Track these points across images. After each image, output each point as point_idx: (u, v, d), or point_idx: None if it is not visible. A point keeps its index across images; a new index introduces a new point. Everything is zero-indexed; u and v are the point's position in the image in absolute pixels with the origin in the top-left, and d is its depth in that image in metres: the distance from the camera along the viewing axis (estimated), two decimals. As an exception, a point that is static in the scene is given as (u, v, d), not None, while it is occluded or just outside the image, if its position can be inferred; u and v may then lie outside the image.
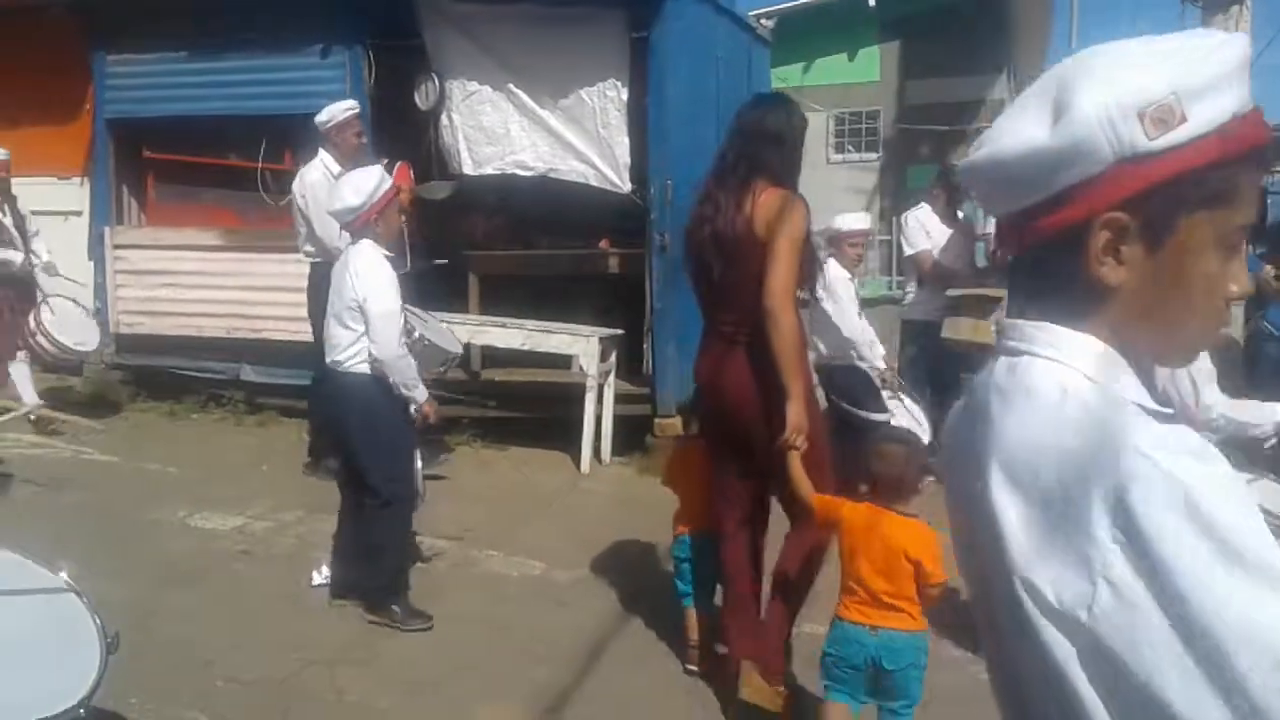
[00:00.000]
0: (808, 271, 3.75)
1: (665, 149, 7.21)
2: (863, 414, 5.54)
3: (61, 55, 8.61)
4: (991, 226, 8.72)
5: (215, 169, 8.51)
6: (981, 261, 8.38)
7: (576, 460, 7.06)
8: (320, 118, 6.45)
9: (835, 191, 11.51)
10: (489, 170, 7.68)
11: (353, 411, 4.57)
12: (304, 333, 8.05)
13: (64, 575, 2.47)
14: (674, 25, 7.17)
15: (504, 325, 7.34)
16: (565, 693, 4.08)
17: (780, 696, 3.76)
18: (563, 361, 7.49)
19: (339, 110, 6.44)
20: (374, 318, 4.40)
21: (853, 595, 3.30)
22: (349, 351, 4.50)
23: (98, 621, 2.36)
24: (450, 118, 7.67)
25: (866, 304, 10.84)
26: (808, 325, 4.27)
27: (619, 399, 7.40)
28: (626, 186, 7.40)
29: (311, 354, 8.00)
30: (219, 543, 5.61)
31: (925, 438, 5.90)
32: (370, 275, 4.45)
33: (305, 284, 8.10)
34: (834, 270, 5.89)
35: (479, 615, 4.67)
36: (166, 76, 8.27)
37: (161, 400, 8.41)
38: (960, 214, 7.88)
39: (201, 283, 8.24)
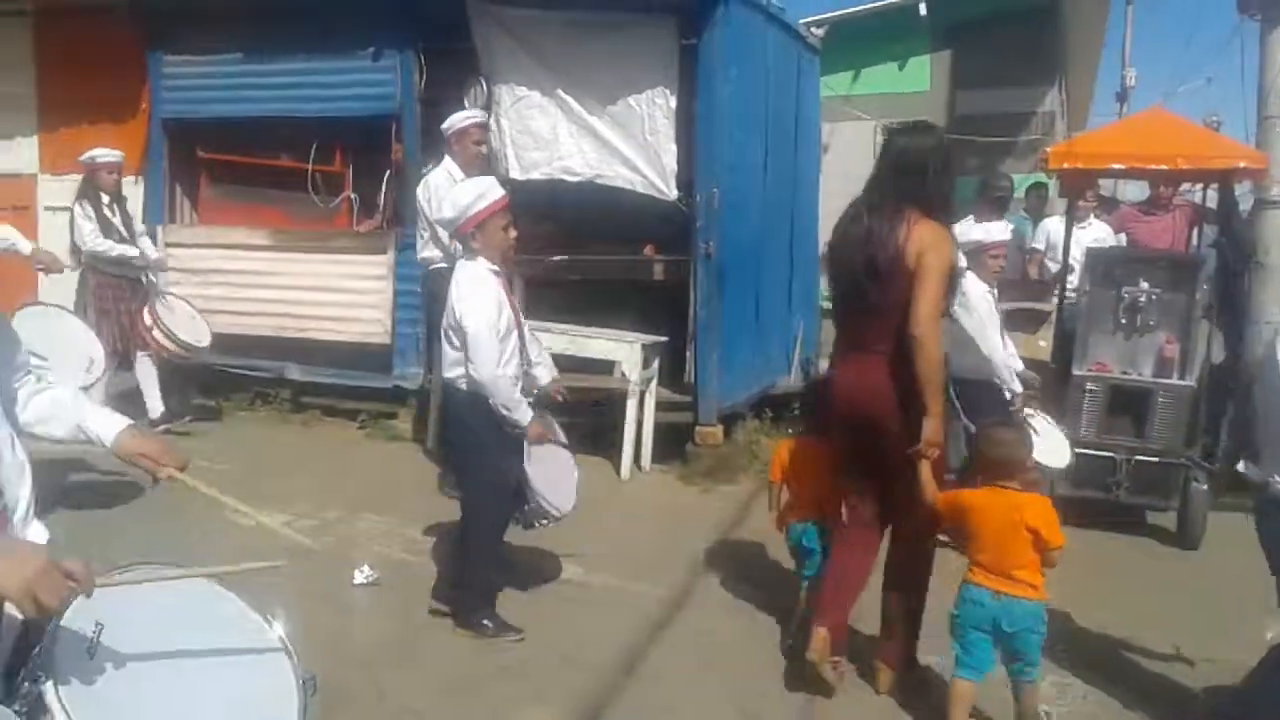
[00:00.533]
0: (949, 296, 4.06)
1: (713, 156, 7.20)
2: None
3: (120, 55, 8.73)
4: (1039, 241, 8.63)
5: (266, 169, 8.62)
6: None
7: (616, 466, 7.06)
8: (444, 124, 6.58)
9: (881, 201, 11.44)
10: (536, 175, 7.70)
11: (455, 425, 4.61)
12: (348, 334, 8.16)
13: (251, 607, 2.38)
14: (723, 33, 7.14)
15: (547, 329, 7.35)
16: (604, 699, 4.08)
17: (836, 673, 4.12)
18: (605, 367, 7.49)
19: (459, 119, 6.56)
20: (469, 336, 4.30)
21: (979, 566, 3.74)
22: (454, 370, 4.44)
23: (297, 664, 2.27)
24: (498, 122, 7.70)
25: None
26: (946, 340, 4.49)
27: (660, 406, 7.39)
28: (673, 193, 7.40)
29: (361, 355, 8.14)
30: (263, 540, 5.65)
31: (1066, 457, 5.76)
32: (468, 292, 4.35)
33: (353, 285, 8.22)
34: (973, 285, 5.65)
35: (518, 619, 4.67)
36: (221, 78, 8.39)
37: (209, 397, 8.51)
38: (1010, 228, 7.80)
39: (251, 281, 8.34)
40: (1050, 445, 5.60)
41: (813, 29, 9.52)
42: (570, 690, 4.14)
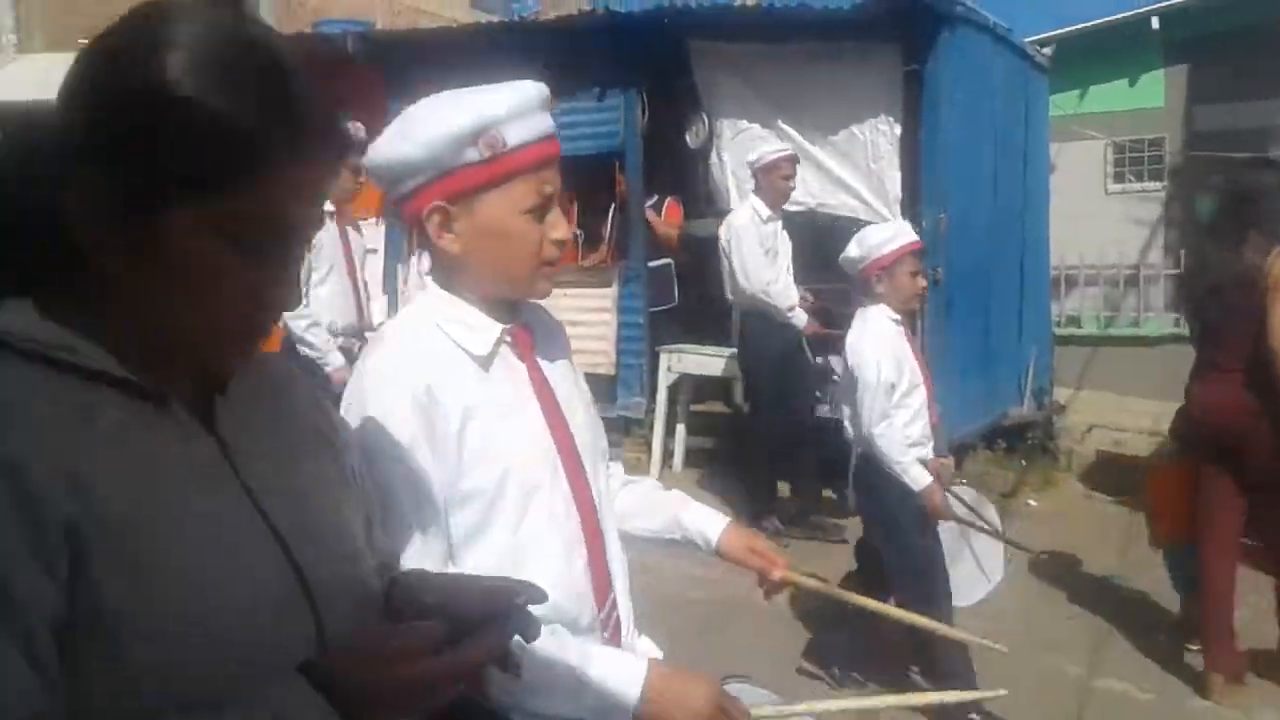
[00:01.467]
0: None
1: (939, 182, 7.06)
2: None
3: (363, 102, 9.28)
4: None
5: (497, 208, 8.97)
6: None
7: (845, 501, 6.95)
8: (749, 157, 6.68)
9: (1113, 222, 10.95)
10: (758, 206, 7.74)
11: (864, 501, 4.36)
12: (587, 366, 8.37)
13: None
14: (949, 57, 7.00)
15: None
16: None
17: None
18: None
19: (768, 152, 6.60)
20: (859, 387, 4.03)
21: None
22: (851, 429, 4.21)
23: None
24: (720, 156, 7.81)
25: (1149, 342, 10.18)
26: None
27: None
28: (898, 220, 7.29)
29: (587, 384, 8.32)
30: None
31: None
32: (865, 344, 4.09)
33: (579, 318, 8.45)
34: None
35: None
36: (456, 123, 8.80)
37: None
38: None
39: (486, 315, 8.69)
40: None
41: (1040, 48, 9.23)
42: None
